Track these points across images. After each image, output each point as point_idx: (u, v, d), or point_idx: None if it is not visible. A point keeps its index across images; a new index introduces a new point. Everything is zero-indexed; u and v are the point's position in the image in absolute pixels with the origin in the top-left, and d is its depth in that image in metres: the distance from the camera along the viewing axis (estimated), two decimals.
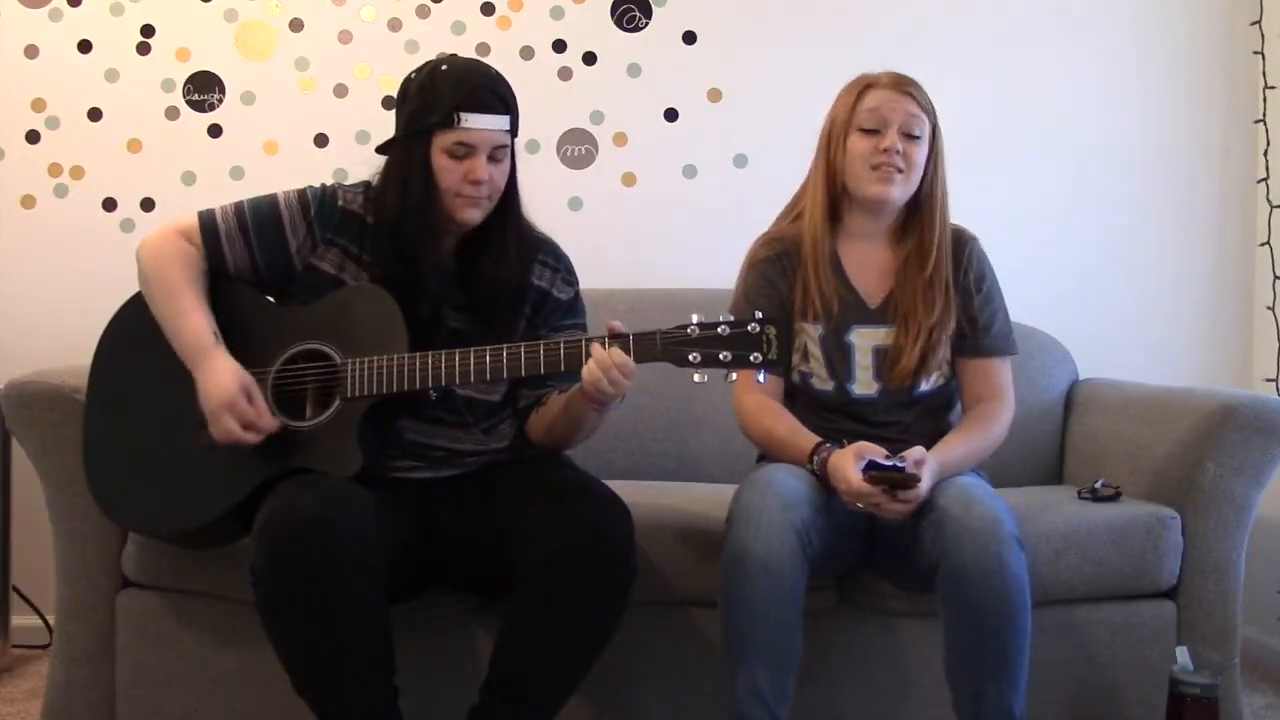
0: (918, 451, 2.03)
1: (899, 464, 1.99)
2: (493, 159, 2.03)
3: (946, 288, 2.22)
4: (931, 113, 2.21)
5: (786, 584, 1.93)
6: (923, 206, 2.24)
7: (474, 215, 2.05)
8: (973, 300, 2.25)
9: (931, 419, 2.26)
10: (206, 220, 2.11)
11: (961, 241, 2.28)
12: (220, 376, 1.98)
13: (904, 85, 2.20)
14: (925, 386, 2.24)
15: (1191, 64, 3.18)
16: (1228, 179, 3.20)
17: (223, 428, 1.97)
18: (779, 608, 1.94)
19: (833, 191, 2.25)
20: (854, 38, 3.14)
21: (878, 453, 2.01)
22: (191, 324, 2.03)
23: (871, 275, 2.27)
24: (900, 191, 2.20)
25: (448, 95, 1.99)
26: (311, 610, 1.83)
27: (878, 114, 2.18)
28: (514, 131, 2.07)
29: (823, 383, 2.25)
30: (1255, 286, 3.18)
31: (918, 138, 2.18)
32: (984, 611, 1.91)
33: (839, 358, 2.24)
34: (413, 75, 2.06)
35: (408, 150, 2.04)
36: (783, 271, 2.26)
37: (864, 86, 2.22)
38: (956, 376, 2.28)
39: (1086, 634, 2.29)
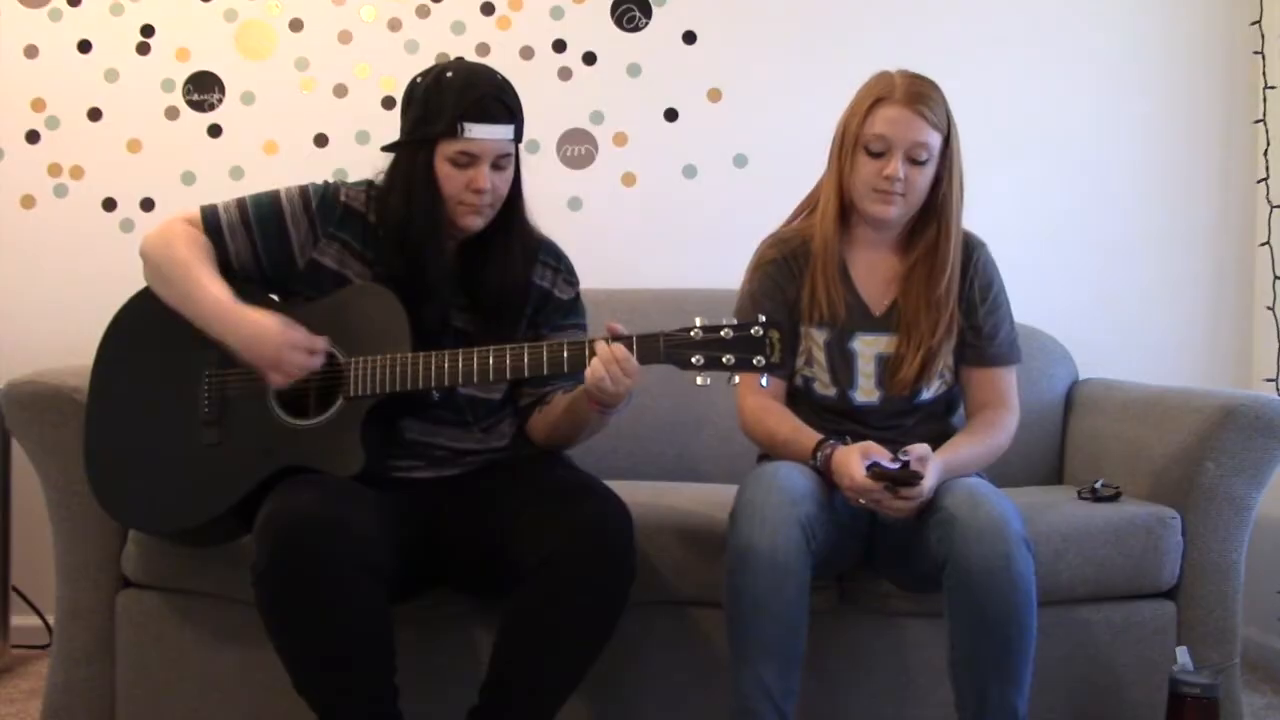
0: (922, 448, 2.02)
1: (905, 459, 1.99)
2: (496, 167, 2.03)
3: (951, 302, 2.21)
4: (944, 126, 2.15)
5: (792, 579, 1.93)
6: (934, 219, 2.20)
7: (476, 223, 2.06)
8: (977, 310, 2.24)
9: (933, 423, 2.26)
10: (209, 213, 2.11)
11: (968, 249, 2.26)
12: (259, 325, 1.97)
13: (917, 103, 2.12)
14: (927, 394, 2.23)
15: (1191, 64, 3.18)
16: (1228, 179, 3.20)
17: (295, 364, 1.96)
18: (784, 603, 1.93)
19: (844, 199, 2.22)
20: (854, 38, 3.14)
21: (883, 454, 2.01)
22: (211, 292, 2.01)
23: (877, 282, 2.26)
24: (899, 212, 2.17)
25: (452, 104, 1.98)
26: (312, 610, 1.84)
27: (884, 139, 2.12)
28: (518, 139, 2.07)
29: (825, 388, 2.25)
30: (1255, 286, 3.18)
31: (923, 162, 2.14)
32: (989, 612, 1.91)
33: (842, 364, 2.24)
34: (418, 79, 2.06)
35: (411, 156, 2.03)
36: (790, 274, 2.26)
37: (877, 99, 2.14)
38: (961, 384, 2.28)
39: (1087, 634, 2.29)
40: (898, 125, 2.13)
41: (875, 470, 1.98)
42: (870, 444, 2.03)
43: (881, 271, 2.26)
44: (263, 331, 1.96)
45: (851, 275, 2.26)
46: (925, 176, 2.16)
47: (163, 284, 2.09)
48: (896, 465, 1.99)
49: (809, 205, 2.31)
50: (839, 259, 2.24)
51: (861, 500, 2.01)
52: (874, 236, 2.26)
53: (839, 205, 2.22)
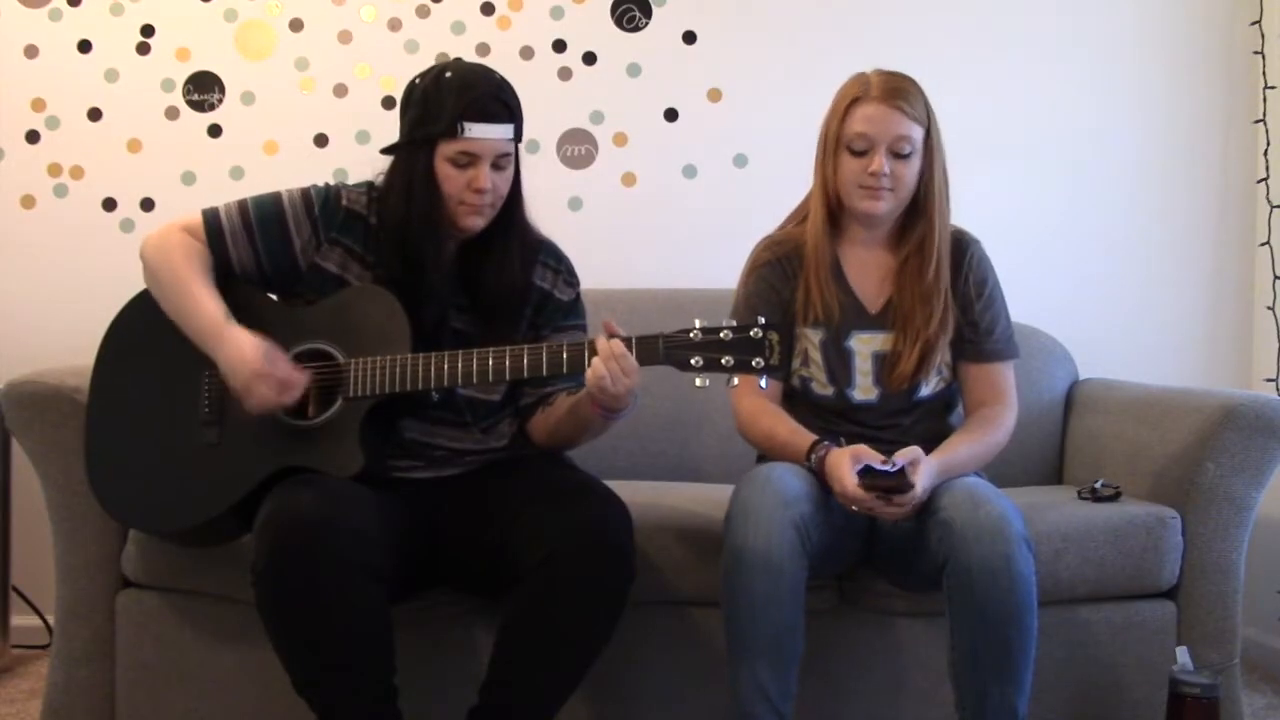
0: (913, 451, 2.02)
1: (894, 467, 1.99)
2: (496, 167, 2.03)
3: (945, 293, 2.21)
4: (924, 119, 2.17)
5: (787, 580, 1.93)
6: (921, 212, 2.22)
7: (477, 223, 2.05)
8: (973, 306, 2.24)
9: (932, 421, 2.26)
10: (210, 218, 2.11)
11: (962, 245, 2.27)
12: (242, 349, 1.97)
13: (894, 98, 2.14)
14: (925, 391, 2.23)
15: (1191, 64, 3.18)
16: (1228, 179, 3.20)
17: (259, 397, 1.95)
18: (780, 604, 1.93)
19: (830, 200, 2.23)
20: (854, 37, 3.14)
21: (874, 457, 2.00)
22: (204, 308, 2.02)
23: (871, 280, 2.26)
24: (889, 206, 2.18)
25: (451, 104, 1.98)
26: (311, 610, 1.84)
27: (865, 136, 2.14)
28: (518, 138, 2.06)
29: (822, 388, 2.25)
30: (1255, 286, 3.18)
31: (907, 155, 2.15)
32: (990, 612, 1.91)
33: (839, 363, 2.24)
34: (417, 80, 2.06)
35: (411, 157, 2.03)
36: (784, 276, 2.26)
37: (853, 99, 2.16)
38: (958, 381, 2.28)
39: (1087, 634, 2.29)
40: (876, 122, 2.14)
41: (867, 482, 1.98)
42: (860, 447, 2.03)
43: (874, 269, 2.26)
44: (240, 360, 1.96)
45: (846, 274, 2.26)
46: (911, 169, 2.17)
47: (158, 293, 2.10)
48: (889, 467, 1.99)
49: (800, 215, 2.31)
50: (832, 259, 2.24)
51: (855, 507, 2.01)
52: (865, 235, 2.26)
53: (828, 208, 2.23)
